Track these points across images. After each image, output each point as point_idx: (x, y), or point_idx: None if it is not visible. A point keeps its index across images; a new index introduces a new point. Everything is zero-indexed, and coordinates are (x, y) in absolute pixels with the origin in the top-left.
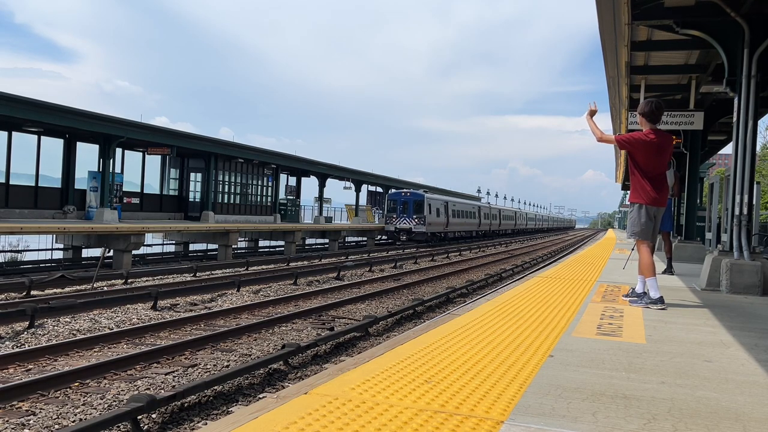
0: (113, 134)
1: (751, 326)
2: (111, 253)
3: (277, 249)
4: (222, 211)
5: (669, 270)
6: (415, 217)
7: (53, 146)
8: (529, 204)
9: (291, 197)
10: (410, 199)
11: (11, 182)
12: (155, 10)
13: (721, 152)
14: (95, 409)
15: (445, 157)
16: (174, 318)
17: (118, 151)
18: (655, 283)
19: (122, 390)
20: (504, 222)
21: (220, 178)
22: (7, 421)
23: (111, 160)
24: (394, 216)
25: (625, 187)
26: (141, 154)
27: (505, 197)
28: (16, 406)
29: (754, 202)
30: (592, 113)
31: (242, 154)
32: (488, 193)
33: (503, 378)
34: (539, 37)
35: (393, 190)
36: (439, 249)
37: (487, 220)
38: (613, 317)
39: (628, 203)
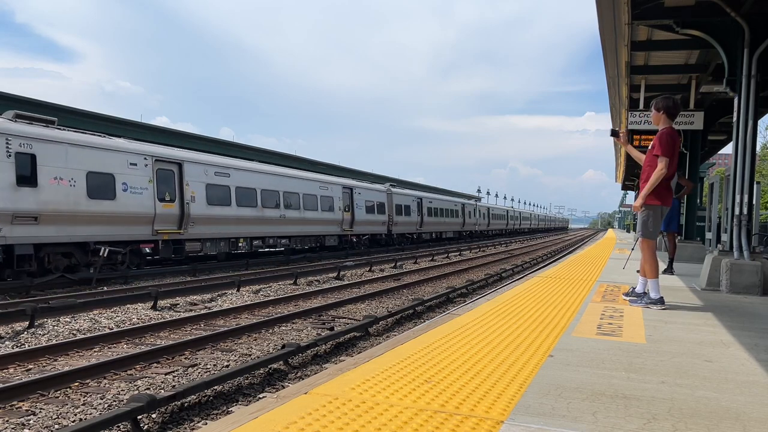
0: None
1: (751, 326)
2: None
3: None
4: None
5: (669, 270)
6: None
7: None
8: (529, 203)
9: None
10: None
11: None
12: (156, 10)
13: (721, 152)
14: (95, 409)
15: (445, 157)
16: (174, 318)
17: None
18: (657, 284)
19: (122, 390)
20: (434, 220)
21: None
22: (7, 421)
23: None
24: None
25: (625, 187)
26: None
27: (505, 197)
28: (16, 406)
29: (754, 202)
30: (621, 138)
31: (242, 154)
32: (488, 193)
33: (503, 378)
34: (540, 36)
35: None
36: (439, 249)
37: (380, 216)
38: (613, 317)
39: (645, 205)
